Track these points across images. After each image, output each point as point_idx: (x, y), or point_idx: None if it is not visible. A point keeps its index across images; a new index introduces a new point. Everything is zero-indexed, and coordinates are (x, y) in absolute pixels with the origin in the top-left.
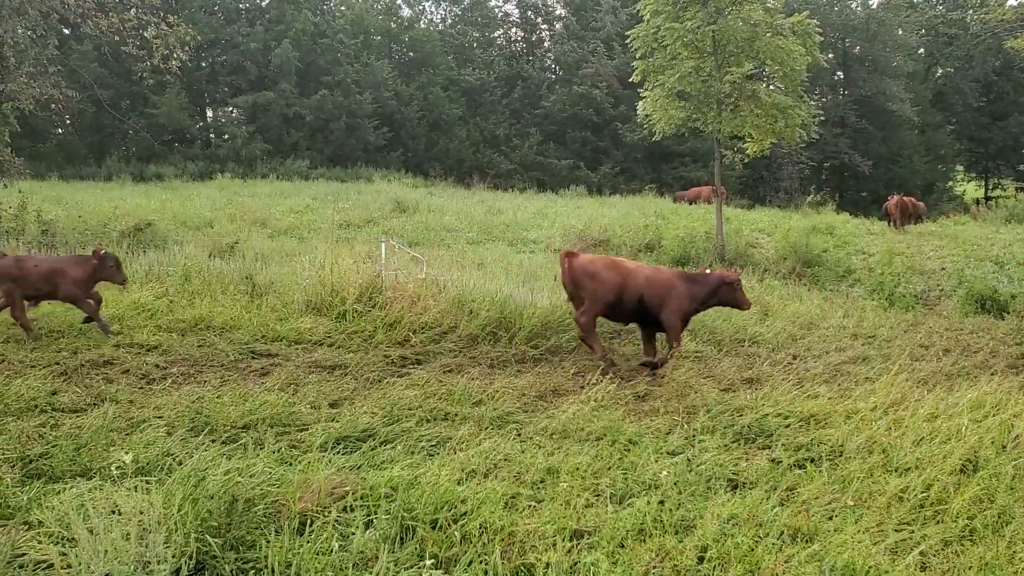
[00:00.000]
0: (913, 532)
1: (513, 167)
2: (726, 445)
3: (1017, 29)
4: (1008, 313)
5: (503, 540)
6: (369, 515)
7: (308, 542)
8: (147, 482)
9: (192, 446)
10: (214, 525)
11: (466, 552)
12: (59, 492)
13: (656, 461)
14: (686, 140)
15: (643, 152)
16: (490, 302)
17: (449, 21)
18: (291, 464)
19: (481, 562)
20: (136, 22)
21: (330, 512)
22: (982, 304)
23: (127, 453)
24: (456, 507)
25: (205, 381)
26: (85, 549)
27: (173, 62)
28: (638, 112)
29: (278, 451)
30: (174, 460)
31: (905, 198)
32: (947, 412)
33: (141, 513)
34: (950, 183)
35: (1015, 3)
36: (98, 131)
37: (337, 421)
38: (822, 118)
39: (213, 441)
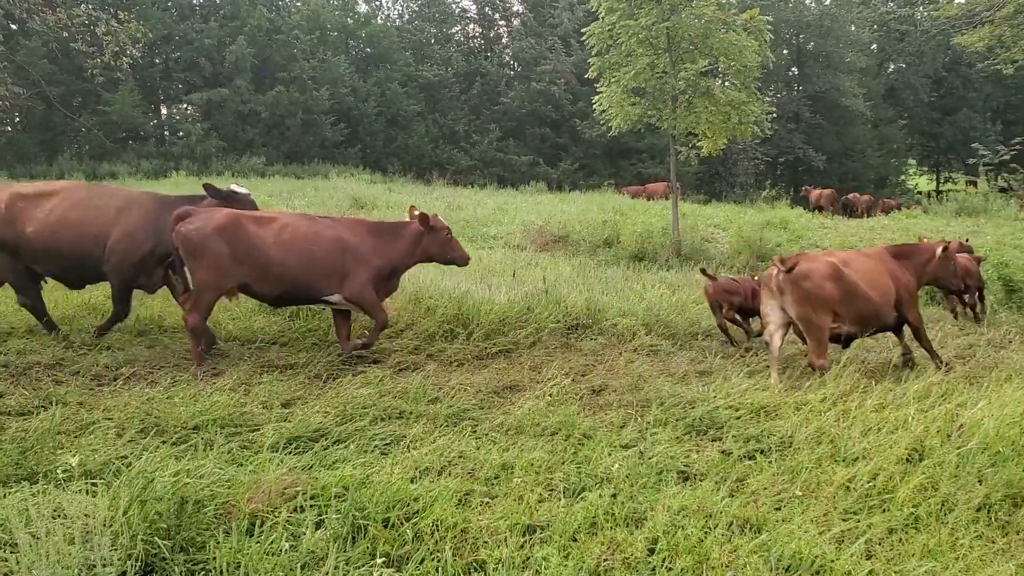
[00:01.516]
0: (859, 521)
1: (473, 163)
2: (678, 437)
3: (964, 25)
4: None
5: (455, 537)
6: (320, 515)
7: (258, 542)
8: (94, 485)
9: (141, 448)
10: (163, 527)
11: (418, 550)
12: (2, 497)
13: (609, 454)
14: (644, 136)
15: (602, 148)
16: (447, 299)
17: (406, 17)
18: (242, 465)
19: (433, 559)
20: (86, 18)
21: (280, 512)
22: (932, 295)
23: (74, 456)
24: (409, 505)
25: (155, 382)
26: (27, 554)
27: (125, 59)
28: (594, 106)
29: (229, 452)
30: (123, 462)
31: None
32: (895, 402)
33: (86, 516)
34: (903, 177)
35: (963, 0)
36: (48, 129)
37: (289, 421)
38: (775, 115)
39: (163, 442)
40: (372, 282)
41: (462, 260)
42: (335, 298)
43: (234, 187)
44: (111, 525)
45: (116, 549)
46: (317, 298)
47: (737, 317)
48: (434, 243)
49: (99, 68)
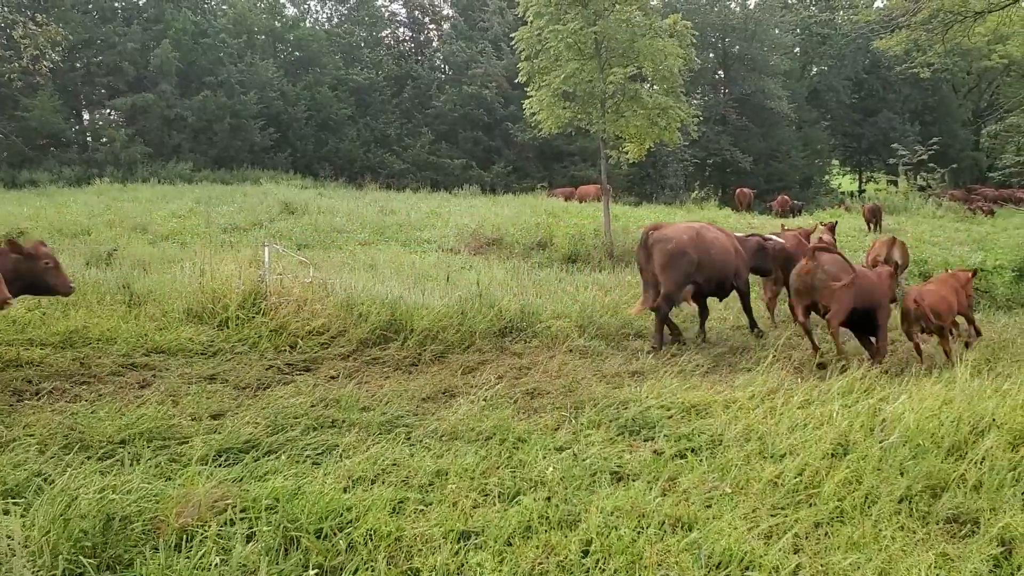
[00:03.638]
0: (787, 516)
1: (406, 167)
2: (611, 438)
3: (882, 30)
4: None
5: (389, 546)
6: (251, 528)
7: (187, 558)
8: (15, 503)
9: (65, 464)
10: (88, 545)
11: (351, 560)
12: None
13: (544, 458)
14: (575, 139)
15: (534, 151)
16: (380, 304)
17: (335, 20)
18: (171, 478)
19: (367, 569)
20: (1, 20)
21: (210, 526)
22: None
23: None
24: (342, 515)
25: (79, 396)
26: None
27: (44, 63)
28: (525, 110)
29: (157, 465)
30: (45, 480)
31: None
32: (820, 399)
33: (3, 537)
34: (826, 177)
35: (881, 5)
36: None
37: (219, 433)
38: (701, 118)
39: (88, 458)
40: None
41: None
42: None
43: (773, 237)
44: (29, 546)
45: (37, 570)
46: None
47: None
48: None
49: (16, 72)
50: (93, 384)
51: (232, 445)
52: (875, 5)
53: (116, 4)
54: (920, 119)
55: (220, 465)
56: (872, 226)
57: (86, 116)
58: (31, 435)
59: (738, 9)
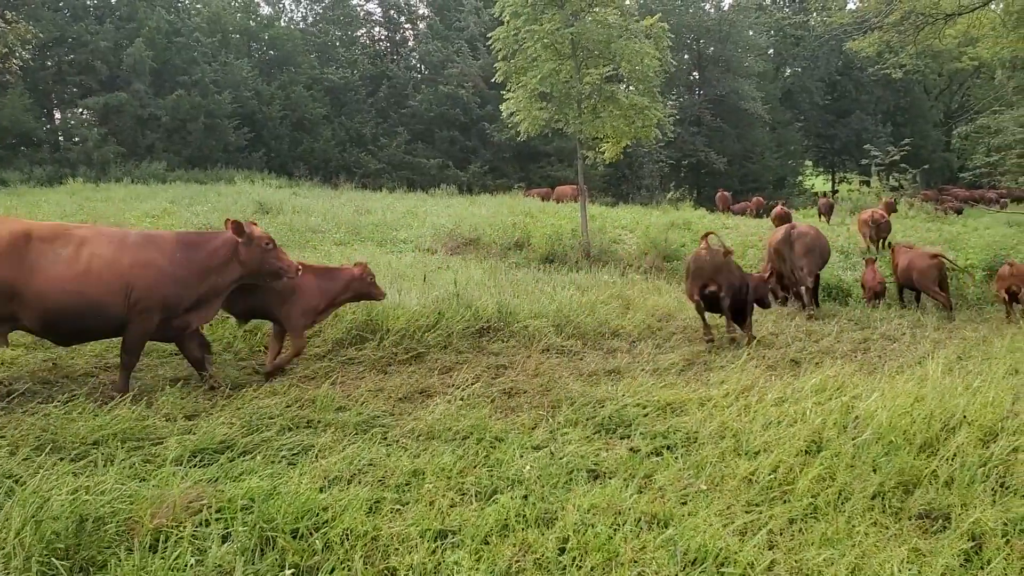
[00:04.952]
0: (761, 513)
1: (381, 166)
2: (588, 436)
3: (855, 31)
4: (852, 298)
5: (366, 545)
6: (227, 528)
7: (162, 559)
8: None
9: (37, 465)
10: (61, 547)
11: (328, 560)
12: None
13: (521, 456)
14: (552, 140)
15: (511, 151)
16: (356, 304)
17: (310, 19)
18: (145, 479)
19: (344, 568)
20: None
21: (185, 527)
22: (829, 292)
23: None
24: (318, 515)
25: (52, 397)
26: None
27: (14, 61)
28: (502, 111)
29: (131, 466)
30: (16, 482)
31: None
32: (793, 396)
33: None
34: (800, 178)
35: (853, 7)
36: None
37: (193, 433)
38: (676, 117)
39: (61, 459)
40: None
41: None
42: None
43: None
44: (3, 547)
45: (8, 573)
46: None
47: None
48: None
49: None
50: (66, 385)
51: (207, 446)
52: (848, 7)
53: (88, 2)
54: (892, 120)
55: (195, 466)
56: (825, 218)
57: (58, 115)
58: (2, 436)
59: (712, 10)
